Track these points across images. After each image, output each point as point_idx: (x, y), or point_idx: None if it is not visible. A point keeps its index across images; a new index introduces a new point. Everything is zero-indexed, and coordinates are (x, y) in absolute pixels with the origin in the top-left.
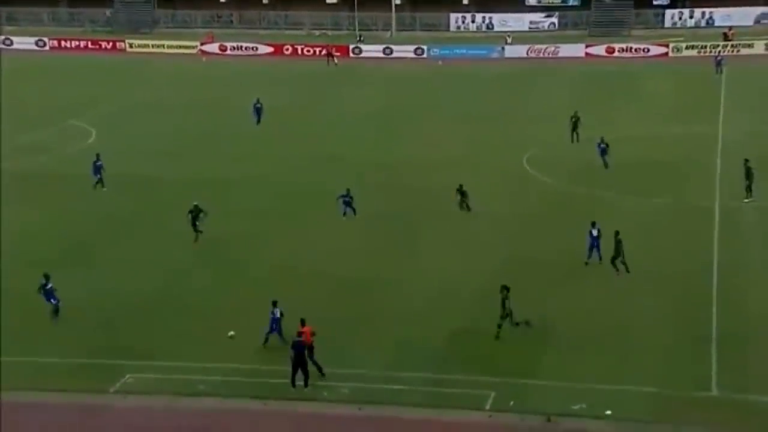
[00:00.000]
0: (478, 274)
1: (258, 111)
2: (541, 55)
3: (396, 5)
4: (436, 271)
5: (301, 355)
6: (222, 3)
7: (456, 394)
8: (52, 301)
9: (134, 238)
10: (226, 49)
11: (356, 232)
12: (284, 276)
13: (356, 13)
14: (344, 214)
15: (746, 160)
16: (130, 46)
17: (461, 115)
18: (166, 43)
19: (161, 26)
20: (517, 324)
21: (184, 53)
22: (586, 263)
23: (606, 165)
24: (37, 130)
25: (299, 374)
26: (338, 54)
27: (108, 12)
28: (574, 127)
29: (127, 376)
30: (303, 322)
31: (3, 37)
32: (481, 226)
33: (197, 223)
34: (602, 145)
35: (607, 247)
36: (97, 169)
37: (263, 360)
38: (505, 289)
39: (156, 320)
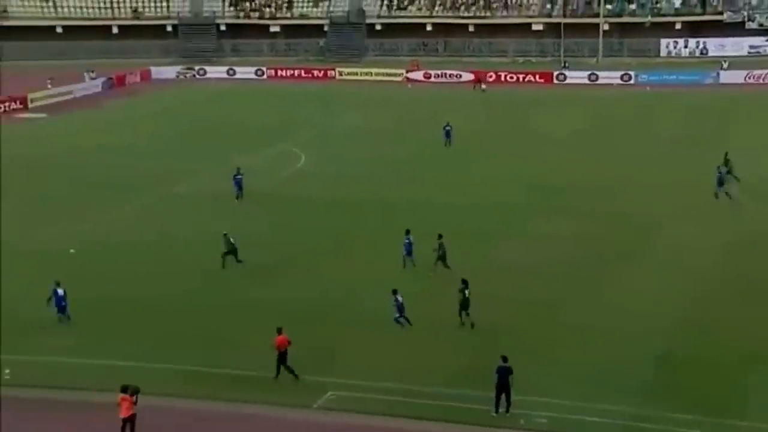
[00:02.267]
0: (683, 298)
1: (448, 133)
2: (761, 81)
3: (604, 31)
4: (634, 293)
5: (505, 380)
6: (428, 31)
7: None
8: None
9: (339, 255)
10: (430, 77)
11: (544, 253)
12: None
13: (562, 40)
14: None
15: None
16: (340, 73)
17: (669, 141)
18: (374, 70)
19: (370, 54)
20: (462, 311)
21: (390, 80)
22: None
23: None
24: (252, 153)
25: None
26: (491, 79)
27: (321, 42)
28: (728, 171)
29: (329, 393)
30: (279, 331)
31: (227, 67)
32: (687, 250)
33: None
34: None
35: None
36: (237, 183)
37: (461, 383)
38: (463, 282)
39: (355, 338)
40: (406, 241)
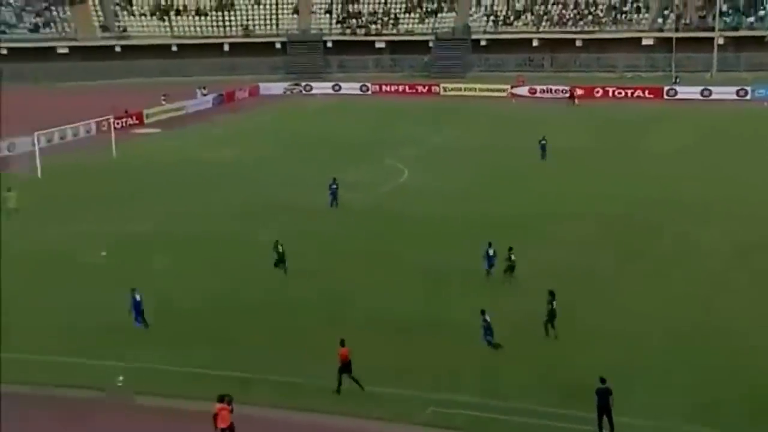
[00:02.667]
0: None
1: (543, 147)
2: None
3: (718, 45)
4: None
5: (606, 401)
6: (535, 47)
7: None
8: None
9: (420, 267)
10: (535, 92)
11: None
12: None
13: (673, 54)
14: None
15: None
16: (444, 89)
17: None
18: (478, 86)
19: (475, 70)
20: (549, 323)
21: (494, 96)
22: None
23: None
24: (358, 168)
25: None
26: (581, 93)
27: (426, 58)
28: None
29: (430, 408)
30: (342, 343)
31: (333, 83)
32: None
33: (284, 260)
34: None
35: None
36: (333, 193)
37: (568, 404)
38: (551, 294)
39: (459, 353)
40: (488, 252)
